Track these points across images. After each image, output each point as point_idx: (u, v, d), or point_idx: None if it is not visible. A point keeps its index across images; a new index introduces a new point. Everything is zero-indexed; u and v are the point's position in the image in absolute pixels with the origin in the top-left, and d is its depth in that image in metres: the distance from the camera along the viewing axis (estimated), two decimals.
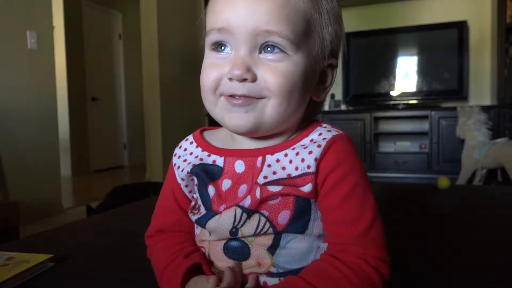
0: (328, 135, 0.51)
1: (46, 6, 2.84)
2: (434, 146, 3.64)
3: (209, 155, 0.55)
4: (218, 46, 0.50)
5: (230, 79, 0.48)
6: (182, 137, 0.61)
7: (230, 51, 0.49)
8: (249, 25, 0.47)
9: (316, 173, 0.49)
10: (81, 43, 5.05)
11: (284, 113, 0.49)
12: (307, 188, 0.49)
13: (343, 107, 4.13)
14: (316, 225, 0.51)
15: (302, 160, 0.50)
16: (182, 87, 4.33)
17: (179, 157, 0.58)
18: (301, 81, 0.49)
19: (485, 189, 1.74)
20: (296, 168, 0.50)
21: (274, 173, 0.50)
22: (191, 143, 0.58)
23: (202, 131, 0.60)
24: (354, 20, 4.03)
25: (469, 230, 0.97)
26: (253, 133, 0.51)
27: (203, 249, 0.56)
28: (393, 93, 3.98)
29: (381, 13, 4.08)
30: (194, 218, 0.55)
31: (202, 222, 0.53)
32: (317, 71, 0.52)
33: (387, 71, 4.00)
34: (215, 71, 0.50)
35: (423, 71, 3.90)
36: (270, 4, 0.47)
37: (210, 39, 0.51)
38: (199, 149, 0.57)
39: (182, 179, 0.57)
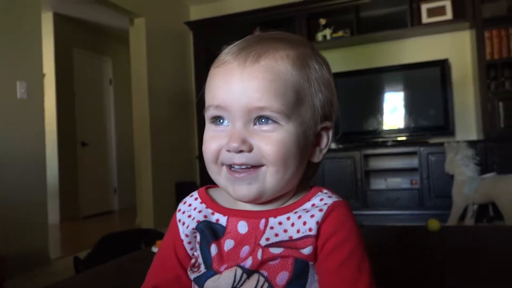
0: (329, 201, 0.54)
1: (36, 56, 2.87)
2: (425, 182, 3.66)
3: (212, 213, 0.57)
4: (217, 119, 0.54)
5: (228, 150, 0.51)
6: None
7: (228, 124, 0.53)
8: (243, 103, 0.50)
9: (317, 236, 0.51)
10: (72, 89, 5.09)
11: (282, 179, 0.52)
12: (307, 250, 0.50)
13: (332, 145, 4.17)
14: None
15: (304, 223, 0.52)
16: (172, 131, 4.36)
17: (184, 212, 0.59)
18: (294, 148, 0.52)
19: (476, 229, 1.74)
20: (298, 231, 0.52)
21: (276, 235, 0.52)
22: (196, 199, 0.60)
23: (207, 188, 0.62)
24: (340, 61, 4.14)
25: (463, 274, 0.96)
26: (257, 200, 0.54)
27: None
28: (381, 130, 4.04)
29: (366, 53, 4.20)
30: (192, 276, 0.55)
31: (200, 281, 0.54)
32: (311, 136, 0.55)
33: (375, 109, 4.08)
34: (215, 143, 0.53)
35: (409, 108, 3.98)
36: (261, 81, 0.50)
37: (208, 114, 0.54)
38: (204, 205, 0.58)
39: (186, 235, 0.58)
